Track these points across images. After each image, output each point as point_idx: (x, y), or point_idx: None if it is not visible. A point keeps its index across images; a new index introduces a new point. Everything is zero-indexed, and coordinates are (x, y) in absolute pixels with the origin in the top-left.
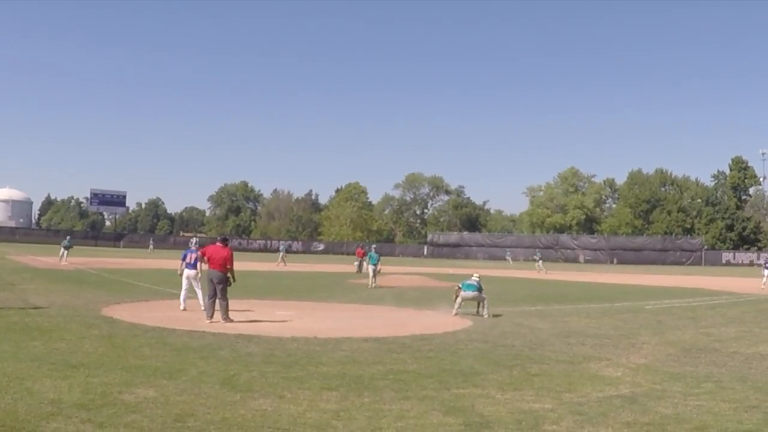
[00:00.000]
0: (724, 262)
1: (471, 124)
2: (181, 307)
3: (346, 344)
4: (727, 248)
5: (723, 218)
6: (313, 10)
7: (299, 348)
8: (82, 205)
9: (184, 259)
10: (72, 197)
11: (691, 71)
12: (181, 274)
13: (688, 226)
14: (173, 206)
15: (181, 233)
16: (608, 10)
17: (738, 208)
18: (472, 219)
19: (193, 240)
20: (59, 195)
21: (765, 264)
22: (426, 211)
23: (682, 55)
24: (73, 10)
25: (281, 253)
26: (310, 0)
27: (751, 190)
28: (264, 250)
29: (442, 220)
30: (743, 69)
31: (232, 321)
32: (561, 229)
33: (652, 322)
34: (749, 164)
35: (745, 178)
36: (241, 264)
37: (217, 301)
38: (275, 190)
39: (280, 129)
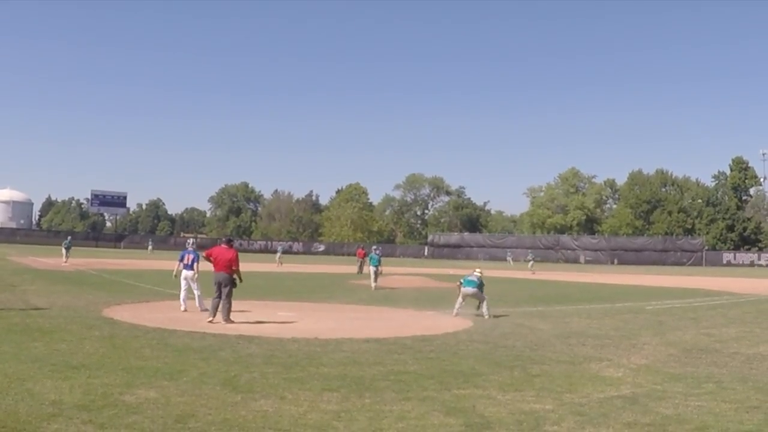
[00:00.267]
0: (724, 262)
1: (472, 125)
2: (182, 308)
3: (347, 345)
4: (728, 249)
5: (724, 219)
6: (314, 10)
7: (300, 349)
8: (82, 206)
9: (181, 260)
10: (72, 198)
11: (691, 71)
12: (177, 276)
13: (689, 227)
14: (174, 207)
15: (182, 234)
16: (608, 10)
17: (738, 208)
18: (473, 220)
19: (190, 241)
20: (60, 196)
21: None
22: (426, 211)
23: (683, 55)
24: (73, 10)
25: (278, 254)
26: (311, 0)
27: (752, 191)
28: (265, 251)
29: (442, 220)
30: (744, 69)
31: (232, 322)
32: (561, 230)
33: (652, 322)
34: (750, 165)
35: (746, 178)
36: (241, 265)
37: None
38: (276, 190)
39: (281, 130)
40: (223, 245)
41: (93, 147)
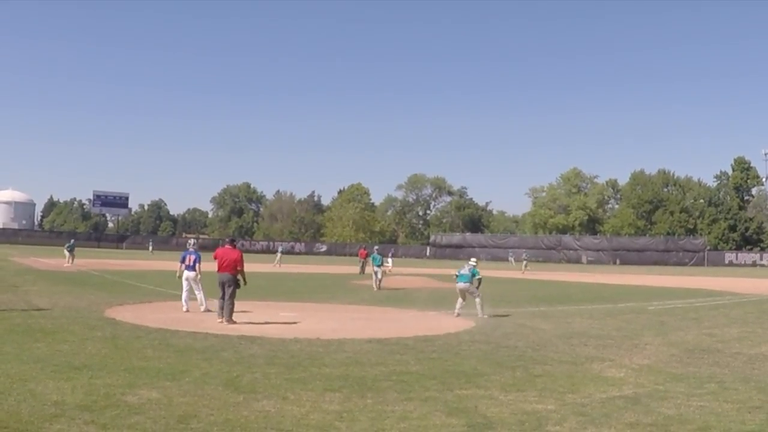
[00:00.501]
0: (726, 262)
1: (473, 125)
2: (184, 309)
3: (349, 345)
4: (730, 249)
5: (725, 219)
6: (314, 10)
7: (302, 349)
8: (84, 206)
9: (182, 261)
10: (75, 199)
11: (693, 71)
12: (179, 277)
13: (691, 227)
14: (176, 208)
15: (184, 235)
16: (609, 10)
17: (740, 208)
18: (475, 220)
19: (191, 241)
20: (62, 196)
21: None
22: (429, 212)
23: (684, 55)
24: (73, 10)
25: (278, 256)
26: (311, 0)
27: (754, 191)
28: (267, 251)
29: (444, 221)
30: (745, 69)
31: (234, 323)
32: (564, 230)
33: (654, 322)
34: (752, 165)
35: (748, 178)
36: (244, 265)
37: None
38: (278, 191)
39: (283, 130)
40: (227, 246)
41: (95, 147)
